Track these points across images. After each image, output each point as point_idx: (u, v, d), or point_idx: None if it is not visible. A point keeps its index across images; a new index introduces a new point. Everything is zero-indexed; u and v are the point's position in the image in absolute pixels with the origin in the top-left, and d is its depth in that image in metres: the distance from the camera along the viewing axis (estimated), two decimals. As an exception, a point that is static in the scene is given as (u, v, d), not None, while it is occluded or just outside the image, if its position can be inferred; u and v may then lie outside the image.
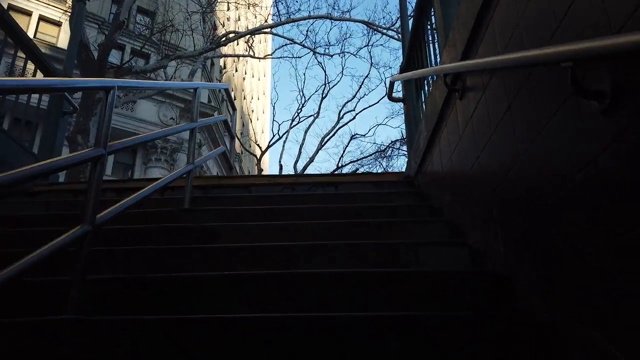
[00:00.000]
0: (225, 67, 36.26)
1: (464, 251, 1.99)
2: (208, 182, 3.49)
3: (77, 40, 4.59)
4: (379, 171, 23.68)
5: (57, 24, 19.79)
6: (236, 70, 42.03)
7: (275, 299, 1.62)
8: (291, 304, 1.58)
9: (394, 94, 4.32)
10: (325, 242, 2.10)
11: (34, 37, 22.66)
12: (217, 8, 15.04)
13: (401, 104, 4.50)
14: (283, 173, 19.45)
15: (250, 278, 1.69)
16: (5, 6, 22.65)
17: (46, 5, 22.91)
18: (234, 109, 4.27)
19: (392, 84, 4.13)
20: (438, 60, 3.12)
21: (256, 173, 19.82)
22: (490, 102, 1.85)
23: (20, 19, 22.18)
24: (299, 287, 1.63)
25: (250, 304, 1.60)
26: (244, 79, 46.30)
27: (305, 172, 19.63)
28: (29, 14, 23.62)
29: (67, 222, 1.88)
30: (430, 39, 3.49)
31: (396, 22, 11.96)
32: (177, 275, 1.73)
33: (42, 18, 23.27)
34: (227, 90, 4.13)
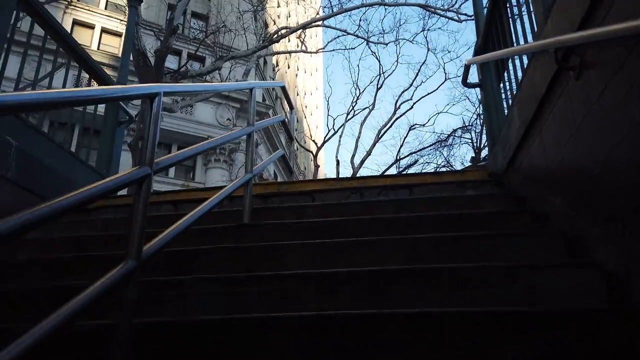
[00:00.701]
0: (277, 65, 36.48)
1: (596, 276, 1.53)
2: (267, 189, 3.20)
3: (130, 45, 4.48)
4: (441, 163, 22.64)
5: (119, 34, 20.54)
6: (288, 67, 42.21)
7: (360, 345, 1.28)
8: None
9: (468, 80, 3.83)
10: (411, 265, 1.73)
11: (98, 48, 23.81)
12: (267, 5, 14.92)
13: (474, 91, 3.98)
14: (340, 168, 19.10)
15: (324, 320, 1.36)
16: (71, 21, 23.96)
17: (107, 18, 23.99)
18: (292, 107, 3.97)
19: (467, 68, 3.63)
20: (528, 37, 2.62)
21: (312, 169, 19.64)
22: (635, 81, 1.38)
23: (84, 32, 23.40)
24: (387, 331, 1.28)
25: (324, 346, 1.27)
26: (296, 75, 46.46)
27: (368, 175, 19.07)
28: (92, 27, 24.82)
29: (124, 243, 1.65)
30: (514, 12, 2.99)
31: (456, 2, 11.18)
32: (241, 318, 1.43)
33: (104, 30, 24.40)
34: (283, 88, 3.83)
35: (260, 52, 15.29)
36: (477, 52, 3.89)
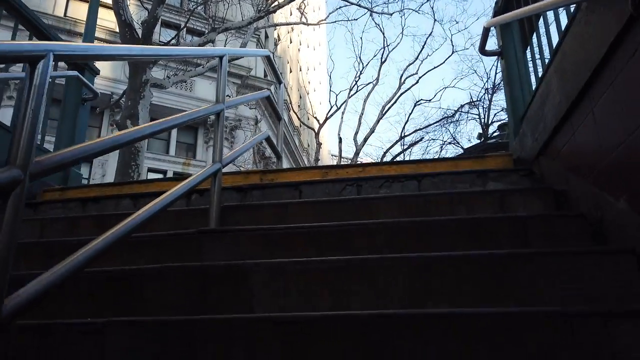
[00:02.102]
0: (280, 39, 35.43)
1: None
2: (247, 179, 2.67)
3: (95, 8, 3.89)
4: (447, 139, 21.76)
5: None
6: (291, 42, 41.09)
7: None
8: None
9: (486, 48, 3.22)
10: (423, 310, 1.21)
11: (65, 15, 22.96)
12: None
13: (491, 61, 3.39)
14: (343, 146, 18.48)
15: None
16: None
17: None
18: (280, 81, 3.40)
19: (485, 31, 3.03)
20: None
21: (315, 147, 19.04)
22: None
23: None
24: None
25: None
26: (299, 50, 45.36)
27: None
28: (87, 0, 23.95)
29: (55, 257, 1.16)
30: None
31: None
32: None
33: (101, 4, 23.53)
34: (268, 58, 3.25)
35: (258, 24, 14.52)
36: (498, 12, 3.28)
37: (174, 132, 24.49)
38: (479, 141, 20.74)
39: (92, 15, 3.89)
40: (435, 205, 1.99)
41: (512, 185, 2.21)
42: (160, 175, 23.88)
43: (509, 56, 3.13)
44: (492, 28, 3.19)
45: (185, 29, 22.90)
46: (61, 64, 2.80)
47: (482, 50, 3.21)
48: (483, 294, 1.32)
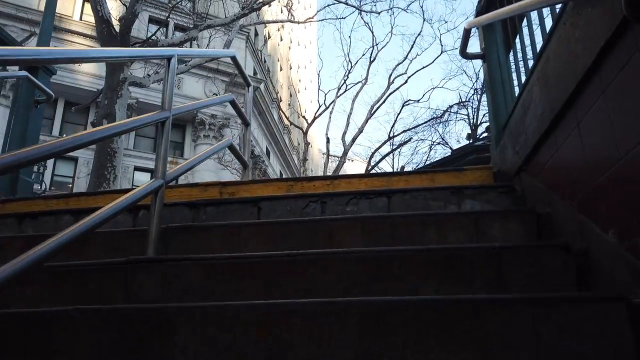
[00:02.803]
0: (270, 37, 35.07)
1: None
2: (205, 193, 2.43)
3: (52, 10, 3.62)
4: (436, 139, 21.56)
5: None
6: (281, 40, 40.74)
7: None
8: None
9: (468, 50, 3.01)
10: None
11: (80, 19, 22.55)
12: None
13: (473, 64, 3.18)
14: (331, 146, 18.24)
15: None
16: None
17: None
18: (248, 84, 3.14)
19: (466, 33, 2.82)
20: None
21: (303, 147, 18.80)
22: None
23: (66, 2, 22.06)
24: None
25: None
26: (289, 48, 45.05)
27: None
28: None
29: None
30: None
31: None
32: None
33: None
34: (234, 59, 2.99)
35: (244, 21, 14.22)
36: (478, 14, 3.07)
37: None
38: (468, 142, 20.65)
39: (49, 18, 3.61)
40: (405, 227, 1.77)
41: (491, 205, 1.99)
42: (147, 175, 23.49)
43: (491, 59, 2.93)
44: (474, 30, 2.99)
45: (172, 26, 22.44)
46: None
47: (463, 53, 3.00)
48: (446, 344, 1.10)
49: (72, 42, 21.62)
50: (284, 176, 37.66)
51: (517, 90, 2.60)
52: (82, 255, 1.85)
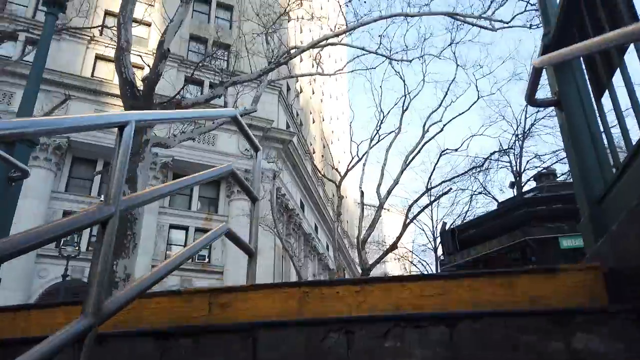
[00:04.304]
0: (302, 90, 35.56)
1: None
2: (188, 306, 1.73)
3: (41, 64, 3.20)
4: (476, 189, 20.21)
5: (139, 67, 19.55)
6: (313, 93, 41.31)
7: None
8: None
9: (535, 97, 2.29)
10: None
11: (92, 75, 23.37)
12: (281, 27, 13.83)
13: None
14: (365, 199, 17.43)
15: None
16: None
17: (105, 45, 23.46)
18: (256, 148, 2.53)
19: (536, 73, 2.12)
20: None
21: (336, 202, 18.09)
22: None
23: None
24: None
25: None
26: (321, 100, 45.62)
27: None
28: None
29: None
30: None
31: (489, 8, 9.63)
32: None
33: (98, 57, 24.08)
34: (235, 119, 2.38)
35: (274, 76, 14.11)
36: (547, 49, 2.38)
37: (196, 187, 24.04)
38: (512, 190, 19.35)
39: (33, 87, 3.18)
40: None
41: (619, 342, 1.20)
42: (182, 233, 23.17)
43: (571, 106, 2.19)
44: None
45: (208, 84, 22.84)
46: None
47: (531, 100, 2.29)
48: None
49: (113, 104, 22.35)
50: (318, 230, 36.75)
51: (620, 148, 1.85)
52: None
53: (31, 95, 3.15)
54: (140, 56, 11.13)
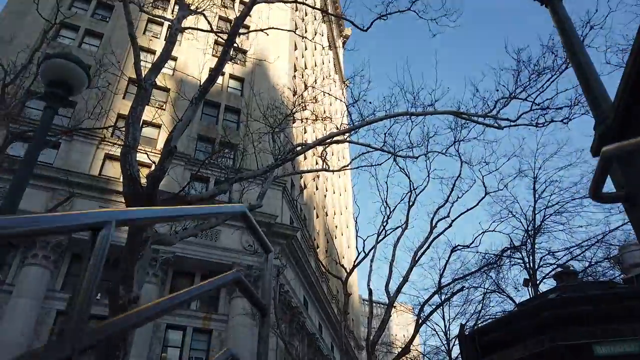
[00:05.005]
0: (305, 186, 35.86)
1: None
2: None
3: (25, 174, 2.94)
4: (489, 286, 19.32)
5: (147, 165, 19.80)
6: (317, 188, 41.65)
7: None
8: None
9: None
10: None
11: (99, 174, 23.65)
12: (287, 126, 14.14)
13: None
14: (374, 298, 16.52)
15: None
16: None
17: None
18: (268, 250, 2.14)
19: (604, 166, 1.80)
20: None
21: (342, 299, 17.15)
22: None
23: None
24: None
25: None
26: (325, 195, 45.86)
27: (399, 294, 16.27)
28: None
29: None
30: None
31: (494, 107, 9.80)
32: None
33: (107, 156, 24.57)
34: (244, 215, 2.02)
35: (279, 173, 14.13)
36: (603, 138, 2.09)
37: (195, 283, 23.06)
38: (526, 288, 18.40)
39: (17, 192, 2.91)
40: None
41: None
42: (179, 333, 21.74)
43: (646, 202, 1.84)
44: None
45: (213, 182, 22.94)
46: None
47: (596, 194, 1.94)
48: None
49: (120, 202, 22.28)
50: (323, 330, 34.70)
51: None
52: None
53: (15, 195, 2.86)
54: (147, 154, 11.16)
